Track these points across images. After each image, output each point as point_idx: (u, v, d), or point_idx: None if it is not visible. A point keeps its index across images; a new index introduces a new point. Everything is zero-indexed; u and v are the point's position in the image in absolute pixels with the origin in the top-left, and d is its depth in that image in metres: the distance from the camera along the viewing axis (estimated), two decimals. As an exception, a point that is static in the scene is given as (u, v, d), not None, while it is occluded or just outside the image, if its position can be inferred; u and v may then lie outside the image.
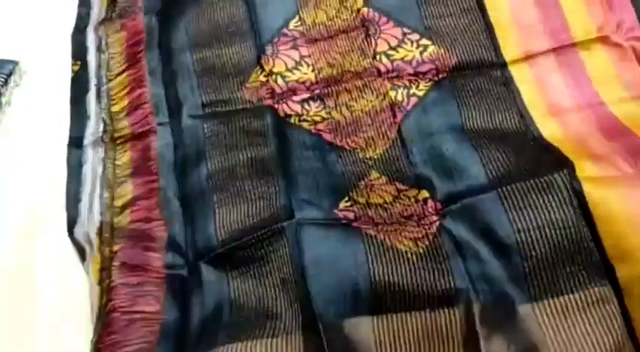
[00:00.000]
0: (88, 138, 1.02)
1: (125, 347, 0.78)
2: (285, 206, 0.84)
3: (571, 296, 0.71)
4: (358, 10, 1.01)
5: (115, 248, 0.86)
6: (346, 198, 0.84)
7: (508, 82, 0.91)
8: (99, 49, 1.12)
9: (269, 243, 0.81)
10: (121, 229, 0.89)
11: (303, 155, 0.90)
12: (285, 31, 1.03)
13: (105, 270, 0.85)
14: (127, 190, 0.94)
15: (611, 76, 0.88)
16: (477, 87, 0.92)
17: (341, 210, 0.83)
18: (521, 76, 0.91)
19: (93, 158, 0.99)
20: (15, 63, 1.15)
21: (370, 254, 0.77)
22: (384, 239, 0.78)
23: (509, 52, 0.94)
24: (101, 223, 0.90)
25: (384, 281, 0.75)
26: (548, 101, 0.89)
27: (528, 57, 0.93)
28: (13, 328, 0.86)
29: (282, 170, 0.88)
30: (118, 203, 0.93)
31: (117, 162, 0.97)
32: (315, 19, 1.04)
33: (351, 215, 0.82)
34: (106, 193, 0.94)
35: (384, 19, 1.00)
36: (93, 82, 1.08)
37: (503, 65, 0.93)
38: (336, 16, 1.03)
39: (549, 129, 0.85)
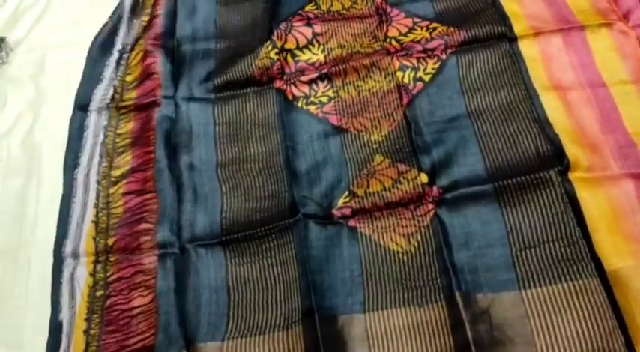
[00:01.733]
0: (94, 103, 1.01)
1: (127, 346, 0.78)
2: (291, 204, 0.85)
3: (559, 285, 0.72)
4: (373, 1, 1.05)
5: (111, 241, 0.86)
6: (346, 194, 0.85)
7: (515, 55, 0.92)
8: (132, 14, 1.12)
9: (275, 237, 0.83)
10: (116, 216, 0.89)
11: (308, 148, 0.91)
12: (300, 12, 1.06)
13: (99, 263, 0.85)
14: (126, 160, 0.94)
15: (615, 60, 0.90)
16: (483, 62, 0.93)
17: (339, 209, 0.84)
18: (529, 51, 0.93)
19: (95, 124, 0.99)
20: (1, 39, 1.13)
21: (364, 255, 0.80)
22: (378, 239, 0.81)
23: (518, 26, 0.96)
24: (98, 192, 0.91)
25: (376, 280, 0.78)
26: (552, 77, 0.90)
27: (537, 33, 0.95)
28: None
29: (289, 167, 0.89)
30: (116, 173, 0.93)
31: (118, 131, 0.98)
32: (330, 7, 1.06)
33: (348, 211, 0.83)
34: (105, 162, 0.94)
35: (395, 11, 1.03)
36: (117, 47, 1.08)
37: (513, 39, 0.94)
38: (352, 7, 1.06)
39: (552, 107, 0.86)
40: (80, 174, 0.93)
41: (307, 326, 0.74)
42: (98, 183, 0.92)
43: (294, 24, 1.04)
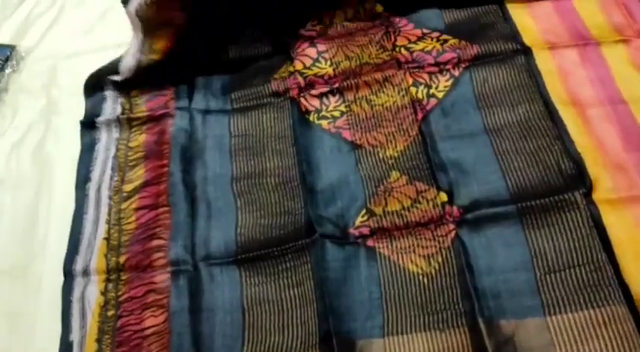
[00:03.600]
0: (104, 117, 0.99)
1: None
2: (307, 222, 0.82)
3: (585, 312, 0.69)
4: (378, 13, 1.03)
5: (122, 259, 0.84)
6: (363, 212, 0.83)
7: (532, 70, 0.90)
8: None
9: (292, 257, 0.80)
10: (128, 232, 0.87)
11: (322, 164, 0.89)
12: (302, 32, 1.04)
13: (111, 282, 0.83)
14: (138, 174, 0.92)
15: (633, 76, 0.88)
16: (499, 77, 0.91)
17: (357, 228, 0.82)
18: (545, 65, 0.91)
19: (107, 137, 0.97)
20: (12, 47, 1.11)
21: (383, 277, 0.77)
22: (397, 260, 0.78)
23: (532, 40, 0.94)
24: (109, 208, 0.89)
25: (395, 303, 0.75)
26: (570, 92, 0.88)
27: (552, 47, 0.93)
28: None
29: (305, 183, 0.86)
30: (128, 188, 0.91)
31: (130, 144, 0.96)
32: (332, 18, 1.05)
33: (366, 230, 0.81)
34: (117, 176, 0.92)
35: (404, 21, 1.01)
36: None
37: (528, 52, 0.92)
38: (355, 17, 1.04)
39: (572, 123, 0.84)
40: (92, 190, 0.91)
41: (325, 351, 0.72)
42: (110, 198, 0.90)
43: (298, 50, 1.02)
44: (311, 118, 0.94)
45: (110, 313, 0.80)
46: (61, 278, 0.83)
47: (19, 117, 1.04)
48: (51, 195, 0.93)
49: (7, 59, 1.09)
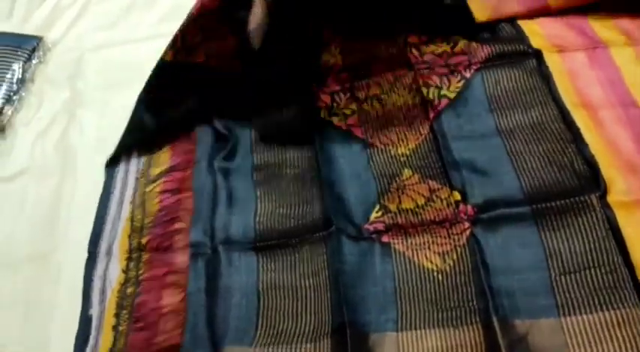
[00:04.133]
0: None
1: (154, 344, 0.77)
2: (325, 215, 0.83)
3: (600, 314, 0.69)
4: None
5: (144, 240, 0.86)
6: (377, 207, 0.84)
7: (544, 72, 0.90)
8: None
9: (309, 248, 0.81)
10: (151, 215, 0.88)
11: (335, 160, 0.90)
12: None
13: (132, 260, 0.85)
14: (165, 159, 0.94)
15: (644, 78, 0.88)
16: (511, 79, 0.91)
17: (372, 223, 0.82)
18: (556, 68, 0.90)
19: None
20: (39, 38, 1.13)
21: (398, 273, 0.78)
22: (412, 256, 0.79)
23: (541, 44, 0.93)
24: (134, 193, 0.91)
25: (409, 298, 0.75)
26: (580, 94, 0.87)
27: (560, 50, 0.92)
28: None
29: (320, 177, 0.87)
30: (154, 171, 0.93)
31: None
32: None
33: (381, 226, 0.82)
34: (144, 160, 0.95)
35: None
36: None
37: (538, 55, 0.92)
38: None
39: (584, 126, 0.83)
40: (119, 173, 0.94)
41: (337, 341, 0.72)
42: (136, 180, 0.92)
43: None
44: (322, 115, 0.95)
45: (130, 290, 0.82)
46: (81, 267, 0.84)
47: (45, 107, 1.06)
48: (73, 185, 0.94)
49: (34, 50, 1.11)
